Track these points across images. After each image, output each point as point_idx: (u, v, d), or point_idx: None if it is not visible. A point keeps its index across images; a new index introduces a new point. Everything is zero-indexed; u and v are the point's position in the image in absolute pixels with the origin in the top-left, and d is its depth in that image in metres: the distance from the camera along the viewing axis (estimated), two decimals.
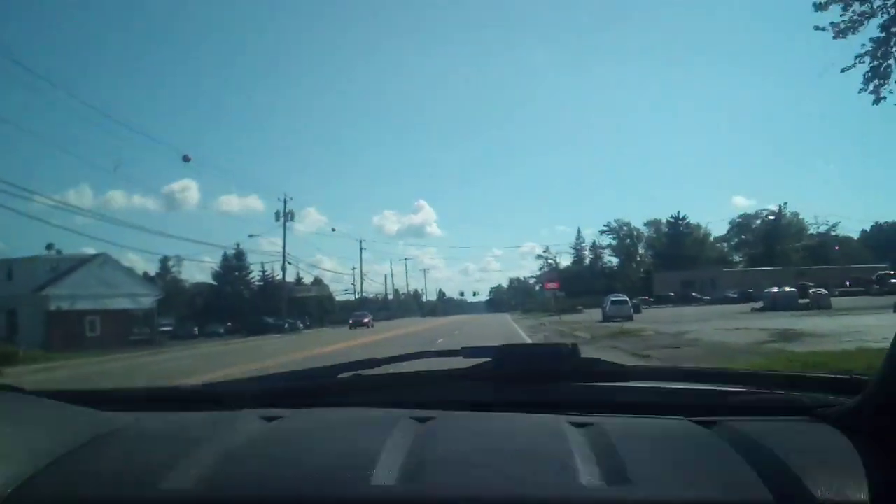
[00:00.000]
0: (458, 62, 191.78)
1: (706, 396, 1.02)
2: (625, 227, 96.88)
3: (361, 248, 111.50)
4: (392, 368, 1.30)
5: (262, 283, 71.21)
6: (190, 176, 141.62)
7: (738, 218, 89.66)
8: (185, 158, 41.15)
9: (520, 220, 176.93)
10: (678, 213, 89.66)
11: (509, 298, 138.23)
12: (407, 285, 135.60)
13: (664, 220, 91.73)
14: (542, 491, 0.64)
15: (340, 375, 1.24)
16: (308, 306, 74.32)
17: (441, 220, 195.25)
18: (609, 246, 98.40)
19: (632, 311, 36.93)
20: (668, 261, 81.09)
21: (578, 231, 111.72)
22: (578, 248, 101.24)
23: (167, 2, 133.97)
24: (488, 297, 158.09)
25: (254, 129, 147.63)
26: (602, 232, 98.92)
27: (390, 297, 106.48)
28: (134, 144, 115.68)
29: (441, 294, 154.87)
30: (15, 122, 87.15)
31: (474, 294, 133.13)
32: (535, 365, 1.18)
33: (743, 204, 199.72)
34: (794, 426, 0.86)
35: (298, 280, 77.19)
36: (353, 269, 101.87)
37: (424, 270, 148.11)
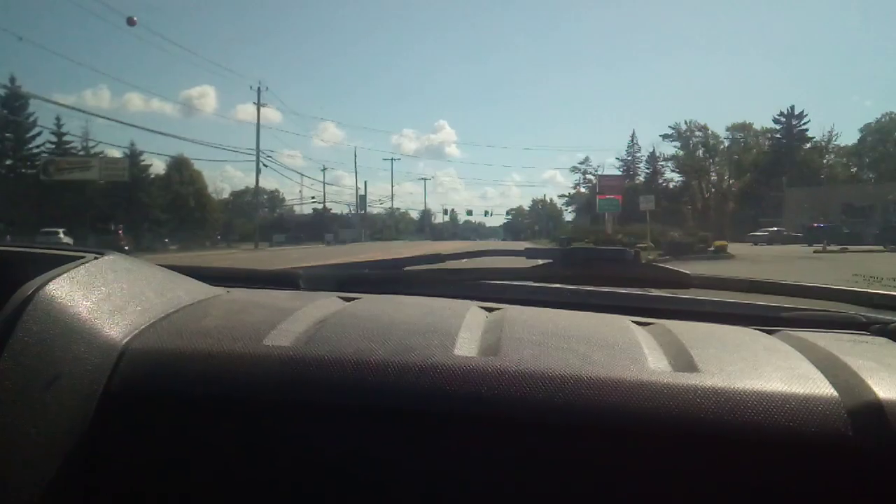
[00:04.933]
0: None
1: (766, 309, 1.06)
2: (698, 133, 73.13)
3: (392, 163, 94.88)
4: (456, 265, 1.35)
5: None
6: (210, 82, 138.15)
7: (875, 122, 64.18)
8: (130, 22, 35.78)
9: (546, 142, 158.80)
10: (791, 108, 63.64)
11: (532, 223, 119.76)
12: (425, 205, 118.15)
13: (757, 125, 68.27)
14: (613, 372, 0.66)
15: (407, 268, 1.30)
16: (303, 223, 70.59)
17: (461, 142, 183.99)
18: (674, 157, 75.42)
19: None
20: (767, 179, 58.95)
21: (633, 136, 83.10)
22: (631, 157, 78.90)
23: None
24: (505, 221, 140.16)
25: (275, 42, 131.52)
26: (665, 137, 75.40)
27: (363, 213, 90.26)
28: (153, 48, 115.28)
29: (453, 215, 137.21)
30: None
31: (486, 214, 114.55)
32: (597, 268, 1.22)
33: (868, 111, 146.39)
34: (853, 337, 0.88)
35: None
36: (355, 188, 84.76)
37: (424, 181, 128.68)
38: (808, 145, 64.48)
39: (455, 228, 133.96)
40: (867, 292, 1.09)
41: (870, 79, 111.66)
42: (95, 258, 0.84)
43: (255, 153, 50.09)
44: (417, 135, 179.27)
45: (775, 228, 45.17)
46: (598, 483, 0.62)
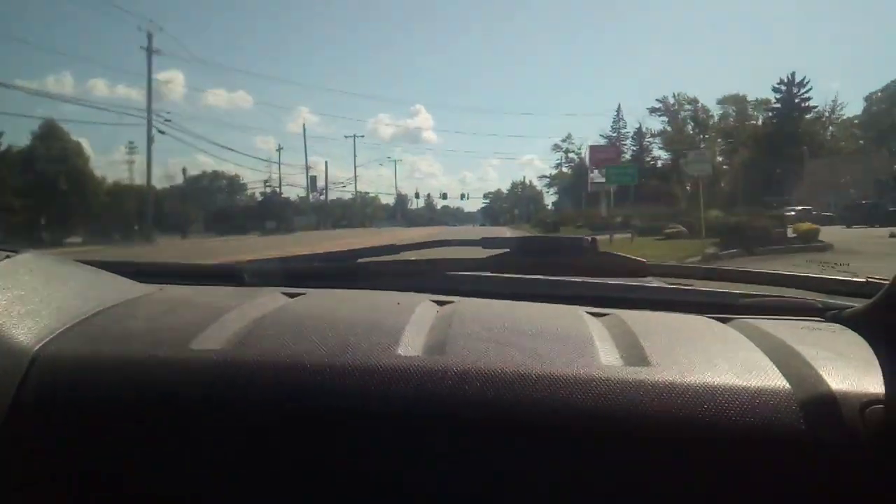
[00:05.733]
0: None
1: (722, 296, 1.05)
2: (688, 106, 66.65)
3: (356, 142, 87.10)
4: (412, 256, 1.29)
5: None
6: (176, 67, 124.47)
7: (880, 92, 57.85)
8: None
9: (526, 124, 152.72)
10: (791, 75, 56.57)
11: (511, 207, 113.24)
12: (396, 189, 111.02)
13: (751, 97, 61.69)
14: (563, 368, 0.65)
15: (360, 260, 1.25)
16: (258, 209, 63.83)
17: (438, 127, 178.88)
18: (662, 133, 68.97)
19: None
20: (770, 153, 52.36)
21: (618, 110, 74.46)
22: (616, 134, 71.92)
23: None
24: (483, 205, 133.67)
25: (243, 19, 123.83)
26: (652, 111, 69.11)
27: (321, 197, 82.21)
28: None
29: (429, 200, 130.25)
30: None
31: (462, 197, 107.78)
32: (553, 256, 1.21)
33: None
34: (808, 324, 0.87)
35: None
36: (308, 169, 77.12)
37: (394, 162, 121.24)
38: (811, 115, 58.20)
39: (432, 214, 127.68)
40: (823, 278, 1.07)
41: (872, 44, 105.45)
42: (7, 257, 0.79)
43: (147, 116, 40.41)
44: (394, 119, 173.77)
45: (801, 208, 38.55)
46: (545, 482, 0.60)
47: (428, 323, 0.78)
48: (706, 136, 66.76)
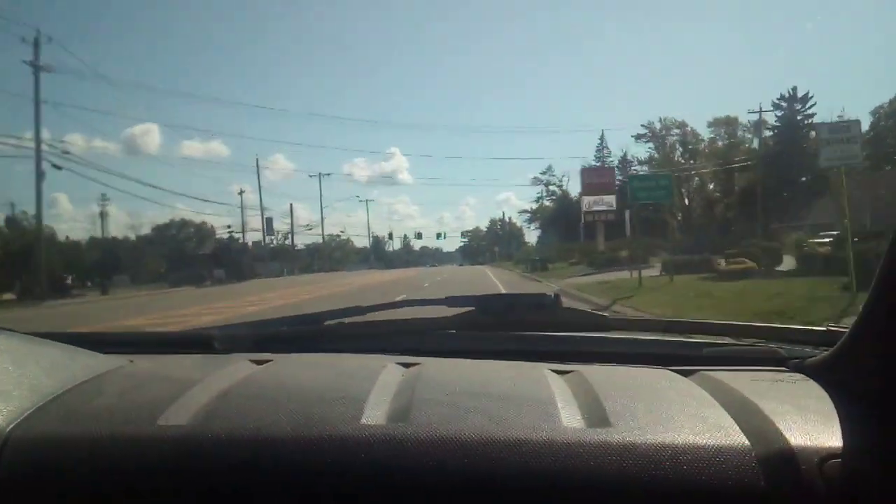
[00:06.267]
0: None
1: (685, 347, 1.06)
2: (675, 130, 62.58)
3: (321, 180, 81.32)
4: (378, 316, 1.31)
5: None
6: (152, 119, 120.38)
7: (889, 104, 51.71)
8: None
9: (498, 167, 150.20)
10: (793, 90, 51.07)
11: (490, 244, 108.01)
12: (369, 231, 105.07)
13: (743, 118, 56.28)
14: (525, 432, 0.66)
15: (326, 322, 1.27)
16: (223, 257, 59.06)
17: (413, 169, 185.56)
18: (649, 161, 64.01)
19: None
20: (774, 175, 46.01)
21: (602, 138, 71.12)
22: (601, 163, 64.97)
23: None
24: (461, 244, 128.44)
25: (219, 75, 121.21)
26: (637, 138, 64.65)
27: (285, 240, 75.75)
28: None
29: (406, 241, 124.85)
30: None
31: (438, 237, 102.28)
32: (517, 314, 1.21)
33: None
34: (770, 376, 0.88)
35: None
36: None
37: (366, 203, 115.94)
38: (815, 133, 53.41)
39: (409, 255, 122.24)
40: (785, 328, 1.09)
41: (876, 55, 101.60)
42: None
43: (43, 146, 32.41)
44: (369, 163, 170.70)
45: (836, 232, 33.31)
46: None
47: (392, 388, 0.78)
48: (696, 161, 62.48)
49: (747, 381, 0.81)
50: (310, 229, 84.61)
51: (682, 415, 0.70)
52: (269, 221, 63.18)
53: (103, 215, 56.60)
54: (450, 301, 1.25)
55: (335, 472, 0.63)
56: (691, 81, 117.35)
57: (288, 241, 78.15)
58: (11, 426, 0.68)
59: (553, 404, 0.73)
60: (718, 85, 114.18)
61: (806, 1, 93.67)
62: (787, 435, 0.65)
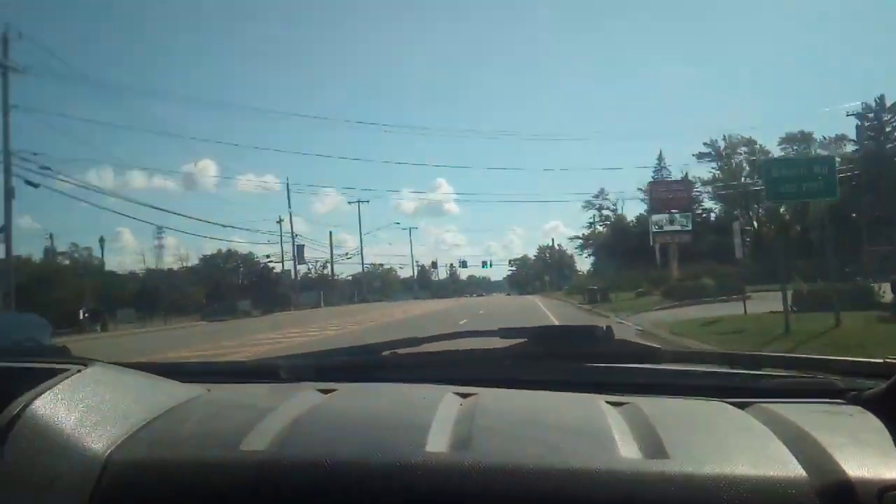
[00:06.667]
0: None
1: (740, 379, 1.07)
2: (743, 148, 57.67)
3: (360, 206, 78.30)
4: (433, 347, 1.34)
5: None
6: (208, 155, 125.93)
7: None
8: None
9: (545, 195, 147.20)
10: (880, 98, 46.26)
11: (539, 272, 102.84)
12: (412, 259, 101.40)
13: (817, 133, 51.20)
14: (583, 462, 0.67)
15: (384, 353, 1.31)
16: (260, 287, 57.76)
17: (461, 199, 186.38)
18: (713, 181, 59.09)
19: None
20: (865, 193, 40.68)
21: (659, 157, 63.44)
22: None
23: None
24: (509, 273, 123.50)
25: (260, 110, 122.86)
26: (700, 157, 59.69)
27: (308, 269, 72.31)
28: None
29: (452, 270, 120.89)
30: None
31: (484, 265, 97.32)
32: (570, 345, 1.24)
33: None
34: (827, 408, 0.88)
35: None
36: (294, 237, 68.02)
37: (409, 230, 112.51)
38: None
39: (455, 284, 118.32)
40: (841, 359, 1.09)
41: None
42: (79, 371, 0.87)
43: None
44: (416, 195, 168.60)
45: None
46: None
47: (452, 417, 0.81)
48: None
49: (804, 414, 0.82)
50: (349, 258, 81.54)
51: (739, 447, 0.71)
52: (300, 249, 59.06)
53: (160, 248, 54.99)
54: (503, 332, 1.27)
55: (403, 498, 0.66)
56: (750, 97, 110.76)
57: (331, 271, 75.03)
58: (109, 452, 0.73)
59: (609, 435, 0.73)
60: (777, 101, 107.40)
61: (880, 5, 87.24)
62: (846, 467, 0.65)
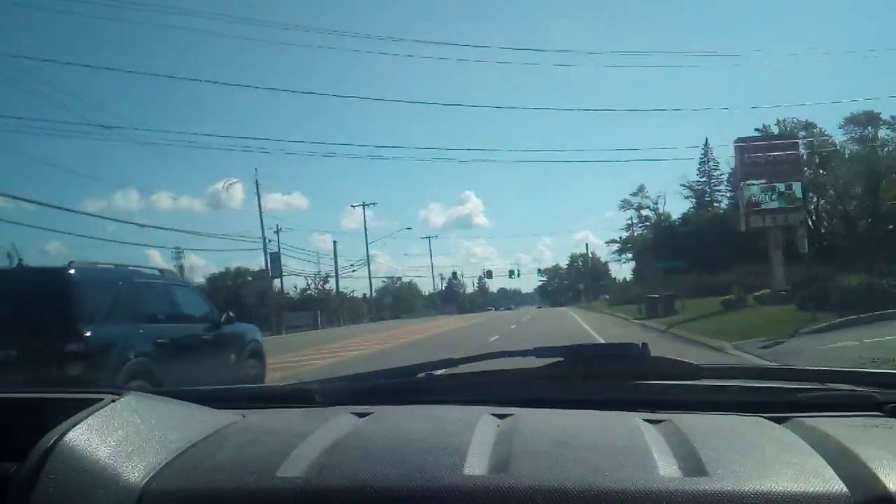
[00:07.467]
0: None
1: (777, 394, 1.06)
2: (801, 133, 48.46)
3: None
4: (468, 367, 1.32)
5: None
6: (235, 174, 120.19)
7: None
8: None
9: (574, 204, 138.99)
10: None
11: (573, 282, 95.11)
12: (432, 272, 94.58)
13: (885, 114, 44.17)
14: (623, 481, 0.67)
15: (419, 375, 1.30)
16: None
17: (488, 211, 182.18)
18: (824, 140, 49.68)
19: None
20: None
21: (706, 146, 55.91)
22: (706, 178, 55.62)
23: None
24: (539, 284, 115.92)
25: (288, 127, 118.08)
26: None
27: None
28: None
29: (479, 282, 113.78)
30: None
31: (511, 275, 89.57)
32: (606, 364, 1.22)
33: None
34: (865, 421, 0.89)
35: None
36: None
37: (428, 239, 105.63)
38: None
39: (484, 298, 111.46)
40: (879, 372, 1.10)
41: None
42: (113, 401, 0.87)
43: None
44: (444, 209, 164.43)
45: None
46: None
47: (490, 439, 0.81)
48: (831, 169, 48.46)
49: (842, 427, 0.81)
50: (354, 270, 74.81)
51: (778, 462, 0.71)
52: (273, 257, 49.02)
53: (182, 268, 49.29)
54: (538, 352, 1.25)
55: None
56: (797, 79, 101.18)
57: (349, 288, 68.55)
58: (145, 482, 0.74)
59: (648, 453, 0.74)
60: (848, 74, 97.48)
61: None
62: (886, 481, 0.65)
